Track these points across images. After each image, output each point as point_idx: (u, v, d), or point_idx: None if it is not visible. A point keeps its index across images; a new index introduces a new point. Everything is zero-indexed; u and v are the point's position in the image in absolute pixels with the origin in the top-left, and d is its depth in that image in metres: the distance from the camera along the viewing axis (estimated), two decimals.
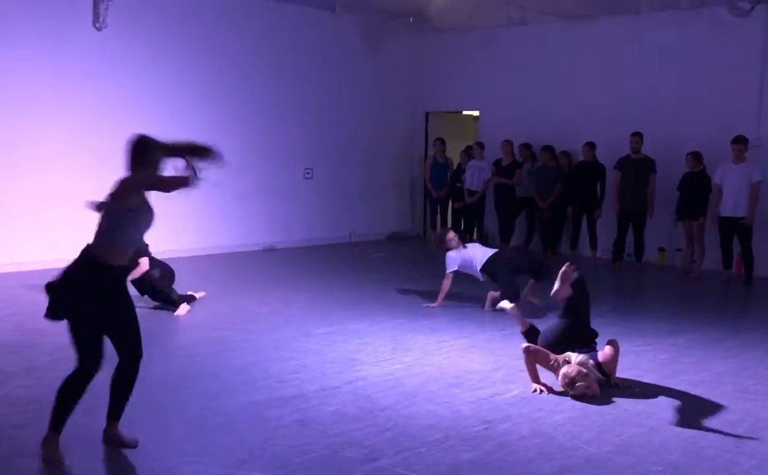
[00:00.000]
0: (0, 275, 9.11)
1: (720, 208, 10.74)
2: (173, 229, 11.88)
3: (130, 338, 4.63)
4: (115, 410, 4.69)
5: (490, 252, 8.97)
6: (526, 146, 13.16)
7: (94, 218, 11.10)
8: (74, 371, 4.48)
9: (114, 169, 11.04)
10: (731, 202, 10.59)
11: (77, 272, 4.47)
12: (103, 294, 4.45)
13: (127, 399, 4.71)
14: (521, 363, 6.61)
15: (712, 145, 11.17)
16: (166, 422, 5.01)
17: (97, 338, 4.48)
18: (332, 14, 13.49)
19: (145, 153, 4.79)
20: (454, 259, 8.91)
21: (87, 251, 4.49)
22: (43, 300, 4.31)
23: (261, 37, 12.77)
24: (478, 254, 8.95)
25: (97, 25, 10.80)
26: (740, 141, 10.59)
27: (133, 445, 4.65)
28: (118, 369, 4.67)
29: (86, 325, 4.44)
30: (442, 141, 13.95)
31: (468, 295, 9.28)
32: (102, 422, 4.84)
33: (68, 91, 10.76)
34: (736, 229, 10.65)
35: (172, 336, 7.33)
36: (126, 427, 4.84)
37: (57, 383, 5.71)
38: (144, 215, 4.64)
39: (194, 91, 12.05)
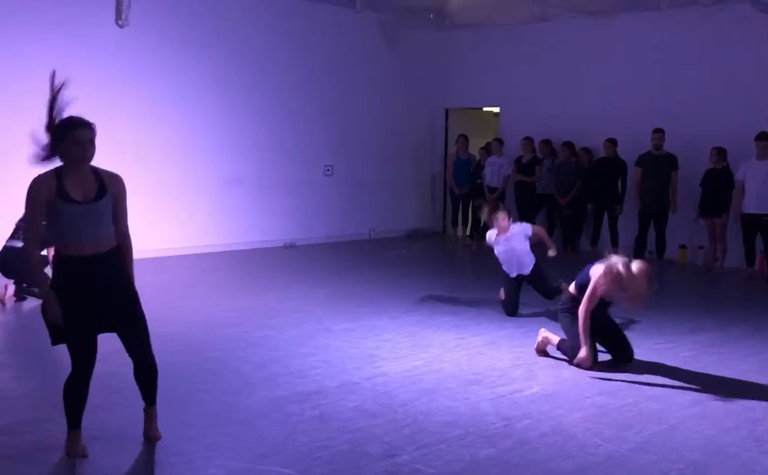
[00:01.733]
0: None
1: (743, 205, 10.65)
2: (194, 226, 12.00)
3: (130, 331, 4.55)
4: (148, 396, 4.71)
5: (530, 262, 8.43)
6: (546, 143, 13.12)
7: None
8: (70, 374, 4.47)
9: (136, 165, 11.21)
10: (754, 199, 10.50)
11: (54, 274, 4.43)
12: (80, 287, 4.35)
13: (155, 388, 4.70)
14: (541, 361, 6.63)
15: (734, 141, 11.08)
16: (186, 417, 5.05)
17: (86, 335, 4.41)
18: (353, 11, 13.51)
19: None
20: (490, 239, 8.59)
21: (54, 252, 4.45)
22: None
23: (282, 33, 12.82)
24: (519, 252, 8.41)
25: (120, 22, 10.89)
26: (764, 138, 10.49)
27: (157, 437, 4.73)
28: (135, 367, 4.66)
29: (74, 322, 4.35)
30: (465, 138, 13.93)
31: (487, 292, 9.27)
32: (126, 418, 4.89)
33: (90, 87, 10.81)
34: (759, 227, 10.56)
35: (193, 332, 7.38)
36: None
37: None
38: (61, 208, 4.35)
39: (215, 88, 12.12)
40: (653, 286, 6.42)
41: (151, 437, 4.70)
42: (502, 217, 8.43)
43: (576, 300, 6.52)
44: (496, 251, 8.51)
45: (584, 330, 6.28)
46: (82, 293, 4.35)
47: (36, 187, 4.34)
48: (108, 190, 4.53)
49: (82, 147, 4.48)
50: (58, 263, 4.42)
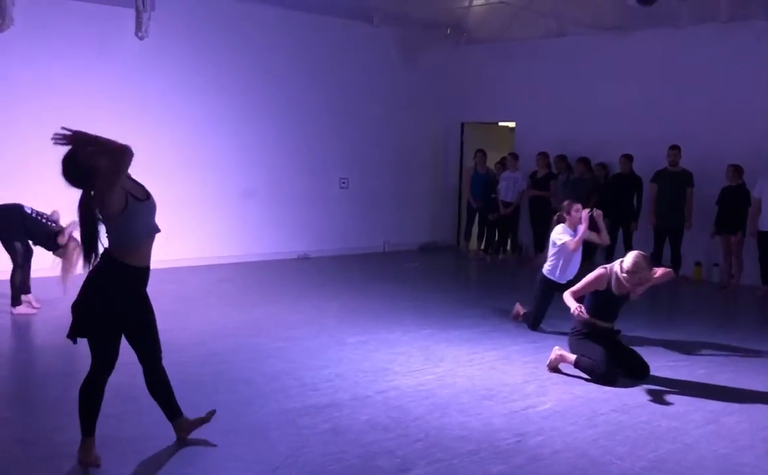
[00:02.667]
0: (42, 279, 9.25)
1: (759, 223, 10.58)
2: (209, 237, 12.06)
3: (147, 341, 4.67)
4: (169, 410, 4.83)
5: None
6: (561, 158, 13.09)
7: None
8: (88, 375, 4.54)
9: (155, 177, 11.26)
10: None
11: (102, 274, 4.45)
12: (126, 294, 4.49)
13: (172, 395, 4.82)
14: (554, 376, 6.60)
15: (751, 159, 11.02)
16: (199, 428, 5.05)
17: (115, 339, 4.52)
18: (370, 26, 13.56)
19: (78, 170, 4.51)
20: (554, 243, 8.18)
21: (108, 254, 4.48)
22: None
23: (299, 48, 12.88)
24: (560, 264, 8.19)
25: (140, 34, 10.95)
26: None
27: (210, 416, 4.93)
28: (146, 376, 4.75)
29: (107, 326, 4.45)
30: (483, 152, 13.92)
31: (499, 307, 9.25)
32: (138, 428, 4.91)
33: (111, 99, 10.95)
34: None
35: (206, 343, 7.40)
36: (161, 429, 4.91)
37: None
38: (138, 210, 4.56)
39: (232, 100, 12.19)
40: (650, 266, 6.55)
41: (204, 419, 4.93)
42: (576, 208, 8.19)
43: (588, 325, 6.59)
44: (562, 251, 8.11)
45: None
46: (131, 298, 4.53)
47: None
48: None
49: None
50: (121, 269, 4.46)
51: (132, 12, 10.85)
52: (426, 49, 14.56)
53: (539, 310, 8.27)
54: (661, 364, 6.97)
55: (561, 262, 8.16)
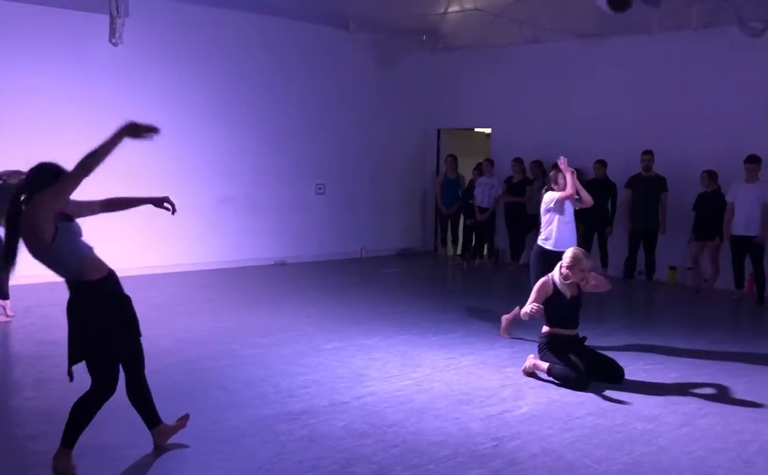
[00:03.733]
0: (16, 286, 9.17)
1: (732, 227, 10.70)
2: (186, 244, 12.00)
3: (133, 349, 4.66)
4: (149, 418, 4.83)
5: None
6: (537, 164, 13.17)
7: (108, 232, 11.15)
8: (89, 394, 4.52)
9: (130, 184, 11.19)
10: (743, 221, 10.55)
11: (79, 303, 4.45)
12: (110, 308, 4.50)
13: (152, 403, 4.82)
14: (531, 381, 6.64)
15: (723, 164, 11.15)
16: (175, 435, 5.02)
17: (115, 362, 4.54)
18: (346, 32, 13.57)
19: (37, 179, 4.57)
20: (546, 206, 8.14)
21: (72, 283, 4.46)
22: (55, 312, 4.35)
23: (276, 54, 12.86)
24: (555, 229, 8.06)
25: (113, 40, 10.91)
26: (754, 160, 10.56)
27: (185, 420, 4.97)
28: (128, 384, 4.73)
29: (106, 350, 4.48)
30: (454, 158, 13.98)
31: (478, 311, 9.28)
32: (115, 436, 4.88)
33: (84, 106, 10.86)
34: (748, 249, 10.61)
35: (183, 350, 7.36)
36: (137, 437, 4.88)
37: (68, 396, 5.75)
38: (70, 226, 4.57)
39: (208, 107, 12.14)
40: (589, 259, 6.80)
41: (179, 424, 4.94)
42: (561, 166, 8.14)
43: (551, 336, 6.74)
44: (557, 219, 8.05)
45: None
46: (117, 308, 4.57)
47: None
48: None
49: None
50: (90, 287, 4.45)
51: (106, 18, 10.82)
52: (402, 56, 14.60)
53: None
54: (636, 367, 7.02)
55: (555, 226, 8.01)
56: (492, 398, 6.13)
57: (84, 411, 4.51)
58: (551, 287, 6.74)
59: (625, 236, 11.91)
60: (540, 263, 8.01)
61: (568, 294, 6.71)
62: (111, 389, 4.52)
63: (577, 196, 8.08)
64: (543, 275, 7.60)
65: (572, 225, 8.15)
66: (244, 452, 4.87)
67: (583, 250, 6.87)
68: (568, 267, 6.68)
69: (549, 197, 8.13)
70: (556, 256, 7.44)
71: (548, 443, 5.18)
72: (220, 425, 5.30)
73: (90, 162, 4.41)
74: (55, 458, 4.50)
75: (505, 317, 8.26)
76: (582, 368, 6.42)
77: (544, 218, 8.18)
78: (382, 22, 13.48)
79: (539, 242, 8.20)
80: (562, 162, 8.09)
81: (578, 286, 6.78)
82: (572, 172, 8.04)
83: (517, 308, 8.07)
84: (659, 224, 11.61)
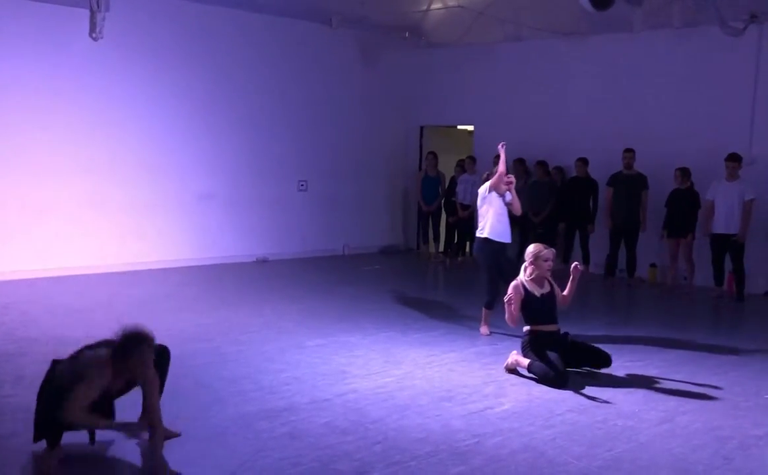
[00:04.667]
0: None
1: (712, 225, 10.78)
2: (167, 240, 11.93)
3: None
4: None
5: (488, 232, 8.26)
6: (520, 162, 13.20)
7: (88, 228, 11.10)
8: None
9: (111, 180, 11.12)
10: (723, 219, 10.63)
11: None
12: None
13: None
14: (512, 378, 6.66)
15: (704, 162, 11.23)
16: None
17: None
18: (329, 29, 13.54)
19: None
20: (482, 196, 8.33)
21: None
22: (34, 309, 4.32)
23: (257, 50, 12.82)
24: (490, 219, 8.25)
25: (94, 35, 10.80)
26: (734, 158, 10.63)
27: (176, 435, 4.94)
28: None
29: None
30: (435, 155, 13.99)
31: (460, 308, 9.29)
32: (96, 438, 4.84)
33: (64, 101, 10.78)
34: (728, 246, 10.69)
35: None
36: (119, 436, 4.84)
37: None
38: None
39: (189, 102, 12.08)
40: (548, 250, 6.98)
41: (172, 434, 4.96)
42: (495, 178, 8.28)
43: (532, 333, 6.84)
44: (491, 213, 8.22)
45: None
46: None
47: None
48: None
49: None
50: None
51: (86, 12, 10.71)
52: (385, 53, 14.59)
53: (491, 281, 8.28)
54: (617, 364, 7.05)
55: (489, 220, 8.20)
56: (474, 395, 6.14)
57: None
58: (521, 289, 6.90)
59: (607, 234, 11.97)
60: (481, 253, 8.39)
61: (537, 292, 6.90)
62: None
63: (506, 187, 8.25)
64: (487, 264, 8.27)
65: (506, 220, 8.33)
66: (225, 449, 4.85)
67: (540, 244, 7.09)
68: (530, 263, 6.94)
69: (484, 187, 8.36)
70: (493, 243, 8.18)
71: (529, 439, 5.20)
72: (201, 422, 5.28)
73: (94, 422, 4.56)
74: (41, 457, 4.53)
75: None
76: (561, 368, 6.45)
77: (480, 210, 8.42)
78: (364, 19, 13.46)
79: (477, 233, 8.43)
80: (501, 148, 8.37)
81: (548, 281, 6.97)
82: (504, 165, 8.27)
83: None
84: (640, 222, 11.67)
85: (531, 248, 7.02)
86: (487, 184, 8.29)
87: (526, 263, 6.99)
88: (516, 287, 6.91)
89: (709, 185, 10.87)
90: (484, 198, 8.31)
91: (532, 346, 6.74)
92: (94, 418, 4.49)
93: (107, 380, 4.50)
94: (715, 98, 11.51)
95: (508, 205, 8.29)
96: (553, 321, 6.89)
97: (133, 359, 4.55)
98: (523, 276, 6.97)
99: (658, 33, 11.94)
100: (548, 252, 6.94)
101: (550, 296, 6.96)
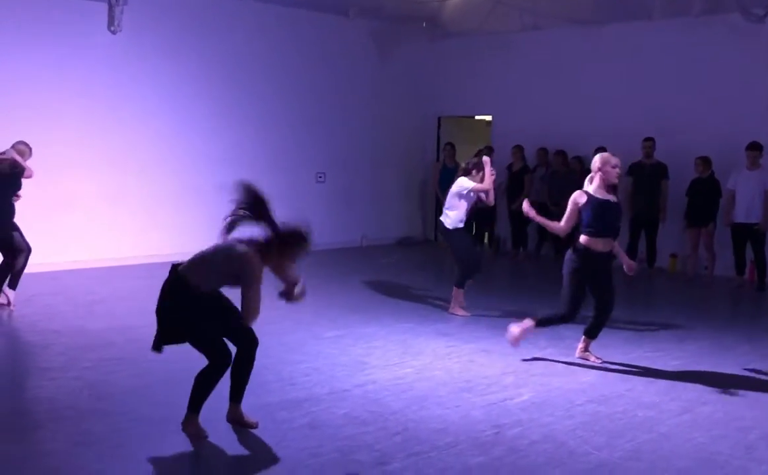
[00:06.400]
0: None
1: (733, 215, 10.69)
2: (185, 232, 11.95)
3: (241, 328, 4.96)
4: (236, 393, 5.05)
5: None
6: (543, 151, 13.12)
7: (109, 221, 11.14)
8: (207, 367, 4.84)
9: (129, 172, 11.16)
10: (744, 208, 10.55)
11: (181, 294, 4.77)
12: (208, 304, 4.81)
13: (245, 383, 5.04)
14: (532, 368, 6.64)
15: (724, 150, 11.14)
16: (176, 423, 5.01)
17: (219, 338, 4.83)
18: (345, 19, 13.52)
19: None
20: (464, 192, 8.59)
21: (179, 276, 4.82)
22: (57, 301, 4.36)
23: (274, 42, 12.82)
24: (460, 212, 8.64)
25: (112, 28, 10.89)
26: (755, 147, 10.54)
27: (254, 425, 5.02)
28: (237, 356, 4.99)
29: (206, 331, 4.81)
30: (452, 146, 13.94)
31: (479, 299, 9.28)
32: (115, 425, 4.88)
33: (84, 94, 10.84)
34: (749, 236, 10.61)
35: None
36: (140, 426, 4.88)
37: (70, 384, 5.79)
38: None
39: (207, 95, 12.11)
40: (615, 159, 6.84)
41: (249, 424, 5.05)
42: (484, 162, 8.67)
43: (585, 251, 6.62)
44: (463, 206, 8.61)
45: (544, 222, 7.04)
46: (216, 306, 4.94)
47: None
48: None
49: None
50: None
51: (105, 6, 10.79)
52: (402, 43, 14.55)
53: (473, 260, 8.68)
54: (638, 354, 7.03)
55: (457, 213, 8.57)
56: (493, 385, 6.14)
57: (205, 382, 4.81)
58: (584, 196, 6.63)
59: (626, 224, 11.89)
60: (466, 242, 8.80)
61: (603, 197, 6.63)
62: (224, 362, 4.81)
63: (483, 195, 8.65)
64: (464, 247, 8.61)
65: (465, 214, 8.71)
66: (246, 439, 4.87)
67: (605, 155, 6.85)
68: (598, 170, 6.65)
69: (467, 184, 8.56)
70: (462, 230, 8.62)
71: (549, 430, 5.19)
72: (220, 413, 5.30)
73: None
74: (183, 423, 4.80)
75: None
76: (577, 307, 6.63)
77: (452, 200, 8.64)
78: (381, 9, 13.44)
79: (452, 225, 8.66)
80: (486, 162, 8.64)
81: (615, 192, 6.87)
82: (492, 173, 8.65)
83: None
84: (660, 212, 11.59)
85: (597, 157, 6.73)
86: (470, 184, 8.54)
87: (592, 174, 6.71)
88: (577, 195, 6.65)
89: (730, 174, 10.79)
90: (463, 196, 8.58)
91: (578, 270, 6.58)
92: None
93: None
94: (735, 86, 11.40)
95: (482, 200, 8.76)
96: (615, 234, 6.68)
97: (300, 247, 5.02)
98: (588, 186, 6.70)
99: (677, 21, 11.85)
100: (616, 159, 6.74)
101: (617, 206, 6.71)
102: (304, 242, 5.03)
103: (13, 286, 8.32)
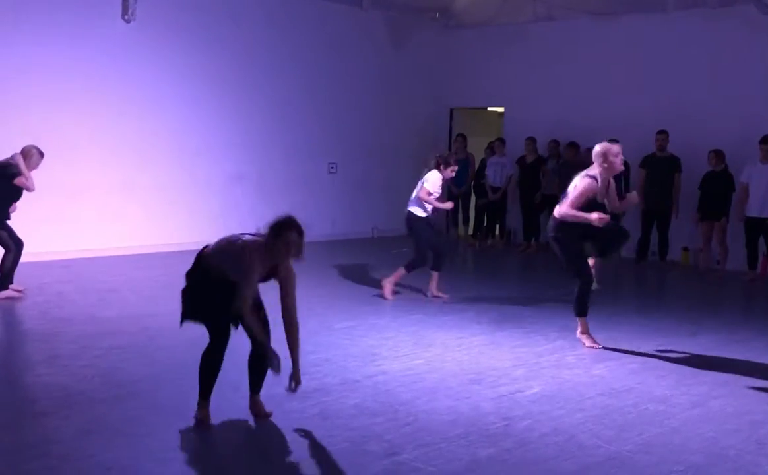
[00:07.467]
0: (30, 263, 9.24)
1: (746, 208, 10.63)
2: (196, 222, 12.00)
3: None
4: (255, 385, 5.11)
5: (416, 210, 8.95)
6: (556, 143, 13.08)
7: (120, 209, 11.18)
8: (207, 347, 5.02)
9: (142, 161, 11.20)
10: (758, 202, 10.48)
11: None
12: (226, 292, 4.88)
13: (263, 375, 5.10)
14: (542, 360, 6.62)
15: (738, 143, 11.07)
16: (187, 411, 5.03)
17: (226, 321, 4.99)
18: (359, 10, 13.51)
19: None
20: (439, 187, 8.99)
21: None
22: (68, 289, 4.40)
23: (288, 32, 12.81)
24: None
25: (126, 17, 10.91)
26: None
27: (268, 415, 5.07)
28: (253, 350, 5.07)
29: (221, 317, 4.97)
30: (464, 137, 13.90)
31: (490, 291, 9.27)
32: (127, 412, 4.90)
33: (96, 83, 10.87)
34: (762, 230, 10.55)
35: (193, 328, 7.36)
36: (150, 414, 4.91)
37: (81, 371, 5.82)
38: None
39: (219, 85, 12.12)
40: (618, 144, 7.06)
41: (265, 414, 5.08)
42: (452, 169, 9.07)
43: (561, 224, 6.89)
44: (434, 199, 8.92)
45: (578, 216, 6.82)
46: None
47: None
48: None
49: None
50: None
51: None
52: (415, 34, 14.52)
53: (439, 247, 9.09)
54: (649, 348, 7.00)
55: (432, 201, 8.87)
56: (503, 377, 6.13)
57: (206, 363, 4.96)
58: (596, 186, 6.90)
59: (639, 217, 11.85)
60: (427, 228, 8.99)
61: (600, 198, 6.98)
62: (223, 342, 5.00)
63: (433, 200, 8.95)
64: (425, 236, 8.87)
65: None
66: (256, 429, 4.89)
67: (606, 145, 7.10)
68: (601, 164, 6.92)
69: (440, 180, 8.88)
70: (430, 220, 8.90)
71: (559, 423, 5.18)
72: (233, 403, 5.32)
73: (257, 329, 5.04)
74: (197, 411, 4.88)
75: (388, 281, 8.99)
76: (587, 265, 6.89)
77: (433, 197, 8.86)
78: (395, 0, 13.41)
79: (422, 213, 8.89)
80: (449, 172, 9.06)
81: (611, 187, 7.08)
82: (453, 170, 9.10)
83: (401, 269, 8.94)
84: (672, 205, 11.53)
85: (598, 148, 6.88)
86: (426, 185, 8.78)
87: (595, 165, 6.90)
88: (589, 183, 6.89)
89: (743, 168, 10.72)
90: (435, 190, 8.87)
91: (573, 237, 6.83)
92: (256, 322, 4.94)
93: (263, 267, 4.91)
94: (749, 79, 11.32)
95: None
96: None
97: (281, 239, 4.96)
98: (596, 168, 6.90)
99: (691, 12, 11.77)
100: (617, 147, 6.87)
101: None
102: (295, 227, 5.13)
103: (2, 286, 8.18)
